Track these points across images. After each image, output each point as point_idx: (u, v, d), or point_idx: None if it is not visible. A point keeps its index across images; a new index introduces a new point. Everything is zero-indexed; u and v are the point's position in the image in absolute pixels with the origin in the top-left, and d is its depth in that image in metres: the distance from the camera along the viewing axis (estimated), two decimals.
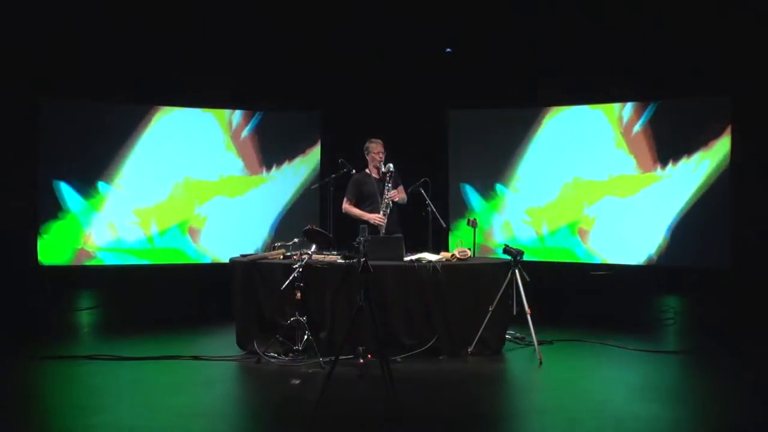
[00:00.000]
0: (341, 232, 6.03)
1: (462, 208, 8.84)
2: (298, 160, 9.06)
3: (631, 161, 8.36)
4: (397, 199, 5.91)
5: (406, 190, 6.07)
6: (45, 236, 8.02)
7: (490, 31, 8.07)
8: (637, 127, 8.33)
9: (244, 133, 8.93)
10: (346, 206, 6.03)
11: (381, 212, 5.84)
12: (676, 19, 7.45)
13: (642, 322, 7.02)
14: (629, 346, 5.58)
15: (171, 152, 8.61)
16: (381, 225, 5.81)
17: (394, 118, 7.96)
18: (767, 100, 7.34)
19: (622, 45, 7.85)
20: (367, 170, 6.09)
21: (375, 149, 6.01)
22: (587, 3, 7.52)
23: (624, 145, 8.40)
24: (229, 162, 8.88)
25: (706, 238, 7.84)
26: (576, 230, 8.61)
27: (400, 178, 6.06)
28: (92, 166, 8.30)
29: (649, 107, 8.26)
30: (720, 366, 5.21)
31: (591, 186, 8.55)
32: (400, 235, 5.73)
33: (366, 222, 5.79)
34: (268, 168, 8.99)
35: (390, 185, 5.85)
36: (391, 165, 5.85)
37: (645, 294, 8.18)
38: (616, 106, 8.45)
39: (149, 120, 8.56)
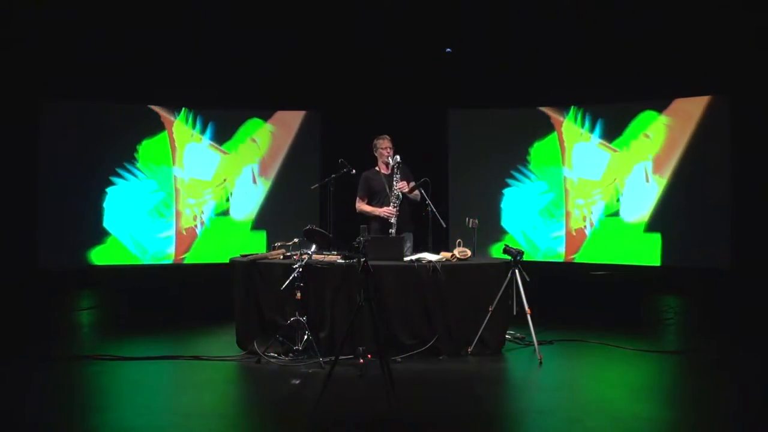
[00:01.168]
0: (341, 232, 6.03)
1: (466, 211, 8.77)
2: (298, 160, 9.06)
3: (631, 161, 8.36)
4: (406, 191, 5.88)
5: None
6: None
7: (490, 31, 8.06)
8: (636, 127, 8.34)
9: (244, 132, 8.93)
10: (359, 205, 6.05)
11: (391, 205, 5.85)
12: (674, 19, 7.45)
13: (642, 322, 7.01)
14: (629, 346, 5.57)
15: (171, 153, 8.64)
16: (391, 217, 5.81)
17: (394, 118, 7.94)
18: (767, 100, 7.33)
19: (622, 45, 7.85)
20: (376, 168, 6.11)
21: (383, 145, 6.02)
22: (588, 3, 7.52)
23: (623, 145, 8.40)
24: (229, 161, 8.88)
25: (706, 238, 7.84)
26: (575, 230, 8.62)
27: (411, 173, 6.04)
28: (94, 167, 8.34)
29: (649, 106, 8.27)
30: (720, 366, 5.20)
31: (591, 185, 8.55)
32: (402, 235, 5.74)
33: (377, 218, 5.84)
34: (269, 167, 8.99)
35: (398, 176, 5.86)
36: (398, 157, 5.87)
37: (645, 294, 8.18)
38: (615, 106, 8.45)
39: (152, 120, 8.60)
